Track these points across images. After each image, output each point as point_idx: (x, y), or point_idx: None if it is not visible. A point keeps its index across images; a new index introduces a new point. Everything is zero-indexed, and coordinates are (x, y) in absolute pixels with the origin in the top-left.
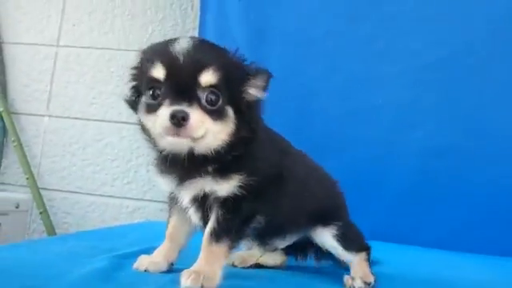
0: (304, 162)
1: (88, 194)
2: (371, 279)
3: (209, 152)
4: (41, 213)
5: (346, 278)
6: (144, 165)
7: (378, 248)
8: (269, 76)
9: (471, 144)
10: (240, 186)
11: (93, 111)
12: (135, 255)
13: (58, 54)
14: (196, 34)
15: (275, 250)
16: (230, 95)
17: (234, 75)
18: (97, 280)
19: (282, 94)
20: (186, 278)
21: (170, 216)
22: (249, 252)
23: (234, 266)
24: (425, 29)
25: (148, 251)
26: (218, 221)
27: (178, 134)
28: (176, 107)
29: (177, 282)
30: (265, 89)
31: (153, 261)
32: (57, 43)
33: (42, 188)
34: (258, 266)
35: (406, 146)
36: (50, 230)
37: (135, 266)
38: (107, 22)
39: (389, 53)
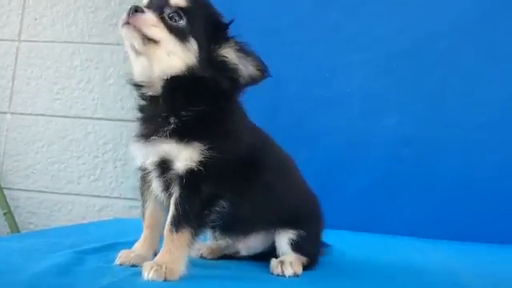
0: (285, 162)
1: (53, 192)
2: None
3: (164, 75)
4: (5, 213)
5: (274, 261)
6: (111, 161)
7: (349, 236)
8: (262, 68)
9: (440, 132)
10: (200, 162)
11: (57, 107)
12: (98, 251)
13: (19, 49)
14: None
15: (237, 253)
16: (199, 32)
17: (211, 24)
18: (54, 275)
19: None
20: (148, 271)
21: (144, 204)
22: (217, 243)
23: (202, 257)
24: (392, 17)
25: (112, 247)
26: (176, 207)
27: (128, 22)
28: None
29: (139, 275)
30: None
31: (138, 254)
32: (18, 38)
33: (5, 188)
34: (226, 256)
35: (376, 134)
36: (15, 230)
37: (119, 261)
38: (70, 14)
39: (356, 41)
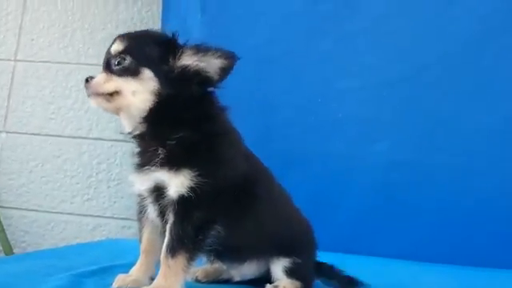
0: (277, 190)
1: (47, 211)
2: None
3: (142, 113)
4: None
5: (269, 286)
6: (105, 181)
7: (340, 259)
8: (228, 54)
9: (431, 157)
10: (191, 189)
11: (51, 126)
12: (94, 274)
13: (15, 69)
14: None
15: (231, 278)
16: (147, 59)
17: (159, 45)
18: None
19: (243, 109)
20: None
21: (141, 229)
22: (213, 266)
23: (197, 280)
24: (383, 45)
25: (108, 269)
26: (171, 233)
27: (88, 94)
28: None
29: None
30: (204, 58)
31: (134, 279)
32: (14, 57)
33: None
34: (221, 281)
35: (367, 159)
36: (8, 249)
37: (117, 285)
38: (67, 35)
39: (348, 68)
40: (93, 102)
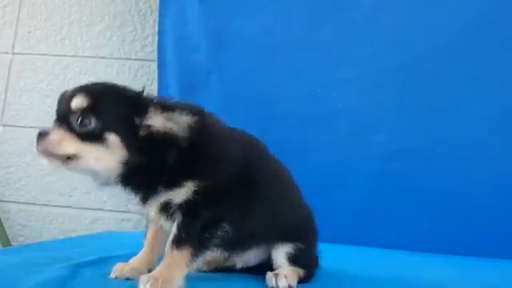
0: (280, 174)
1: (45, 205)
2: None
3: (111, 177)
4: None
5: (270, 274)
6: None
7: (339, 250)
8: (195, 110)
9: (429, 147)
10: (195, 192)
11: (49, 119)
12: (93, 264)
13: (12, 62)
14: (155, 40)
15: (233, 266)
16: (114, 122)
17: (125, 104)
18: None
19: (242, 99)
20: (144, 284)
21: (147, 224)
22: (213, 255)
23: (197, 268)
24: (382, 34)
25: (107, 260)
26: (178, 228)
27: (38, 151)
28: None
29: None
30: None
31: (133, 267)
32: (12, 50)
33: None
34: (222, 269)
35: (366, 149)
36: (6, 243)
37: (115, 274)
38: (64, 28)
39: (347, 58)
40: (43, 162)
